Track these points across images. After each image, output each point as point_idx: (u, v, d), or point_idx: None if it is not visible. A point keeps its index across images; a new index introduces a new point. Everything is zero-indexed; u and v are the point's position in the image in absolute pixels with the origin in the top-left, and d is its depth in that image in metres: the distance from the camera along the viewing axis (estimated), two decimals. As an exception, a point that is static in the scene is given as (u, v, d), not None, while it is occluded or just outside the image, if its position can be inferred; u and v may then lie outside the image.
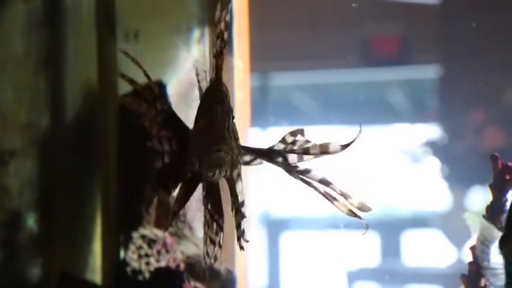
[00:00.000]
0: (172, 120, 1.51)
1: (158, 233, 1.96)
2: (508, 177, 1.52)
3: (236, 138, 1.44)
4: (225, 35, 1.40)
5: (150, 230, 1.97)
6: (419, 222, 3.71)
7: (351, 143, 1.41)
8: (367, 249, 3.63)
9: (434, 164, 3.46)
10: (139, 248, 1.94)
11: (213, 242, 1.51)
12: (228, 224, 2.22)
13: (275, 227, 3.78)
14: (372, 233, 3.60)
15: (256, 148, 1.51)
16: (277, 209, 3.86)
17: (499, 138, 3.24)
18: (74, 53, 2.09)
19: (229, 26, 1.42)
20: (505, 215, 1.51)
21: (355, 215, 1.47)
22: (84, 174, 2.08)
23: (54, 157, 2.03)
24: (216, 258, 1.51)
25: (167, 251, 1.96)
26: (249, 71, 2.30)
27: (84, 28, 2.09)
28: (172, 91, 2.12)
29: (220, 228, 1.52)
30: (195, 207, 2.13)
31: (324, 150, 1.44)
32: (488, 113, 3.33)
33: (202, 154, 1.38)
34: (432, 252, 3.55)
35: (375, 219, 3.68)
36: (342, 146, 1.42)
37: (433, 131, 3.53)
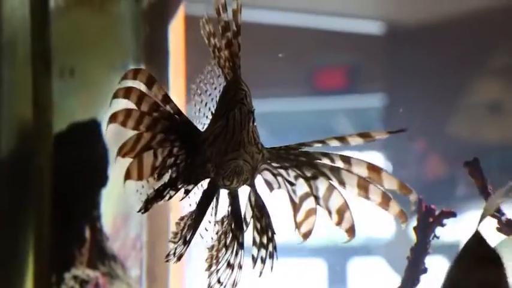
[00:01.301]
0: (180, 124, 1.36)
1: (90, 273, 1.95)
2: (431, 219, 1.54)
3: (257, 143, 1.31)
4: (240, 36, 1.33)
5: (82, 271, 1.96)
6: (364, 250, 3.72)
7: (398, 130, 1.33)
8: (314, 277, 3.64)
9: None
10: (71, 289, 1.93)
11: (230, 266, 1.35)
12: (161, 252, 2.22)
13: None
14: (318, 260, 3.63)
15: (283, 147, 1.38)
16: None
17: (441, 167, 3.28)
18: (9, 90, 2.08)
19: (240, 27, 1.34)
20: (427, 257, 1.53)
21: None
22: (17, 213, 2.07)
23: (-14, 195, 2.02)
24: (236, 285, 1.34)
25: (99, 292, 1.95)
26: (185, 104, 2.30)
27: (20, 65, 2.09)
28: (108, 128, 2.11)
29: (241, 246, 1.36)
30: (129, 246, 2.14)
31: (366, 136, 1.37)
32: (431, 143, 3.37)
33: (218, 162, 1.29)
34: (377, 280, 3.57)
35: (321, 247, 3.69)
36: (389, 132, 1.35)
37: (377, 159, 3.55)
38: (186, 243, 1.33)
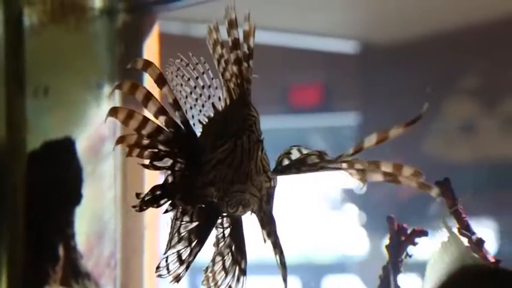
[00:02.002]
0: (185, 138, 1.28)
1: (64, 291, 1.95)
2: (403, 238, 1.56)
3: (266, 171, 1.25)
4: (252, 59, 1.27)
5: (55, 289, 1.96)
6: (338, 267, 3.74)
7: (416, 119, 1.22)
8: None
9: (352, 211, 3.50)
10: (44, 307, 1.93)
11: None
12: (136, 270, 2.22)
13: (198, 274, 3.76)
14: (292, 278, 3.63)
15: (287, 165, 1.31)
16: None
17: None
18: (-18, 108, 2.08)
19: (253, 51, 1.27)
20: (399, 275, 1.54)
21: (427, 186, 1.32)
22: (-9, 231, 2.06)
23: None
24: None
25: (72, 311, 1.95)
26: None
27: (-7, 83, 2.09)
28: (82, 146, 2.12)
29: (243, 272, 1.30)
30: (103, 263, 2.13)
31: (381, 137, 1.26)
32: (405, 161, 3.39)
33: (222, 188, 1.23)
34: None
35: (295, 264, 3.69)
36: (406, 123, 1.23)
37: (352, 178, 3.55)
38: (183, 263, 1.26)
